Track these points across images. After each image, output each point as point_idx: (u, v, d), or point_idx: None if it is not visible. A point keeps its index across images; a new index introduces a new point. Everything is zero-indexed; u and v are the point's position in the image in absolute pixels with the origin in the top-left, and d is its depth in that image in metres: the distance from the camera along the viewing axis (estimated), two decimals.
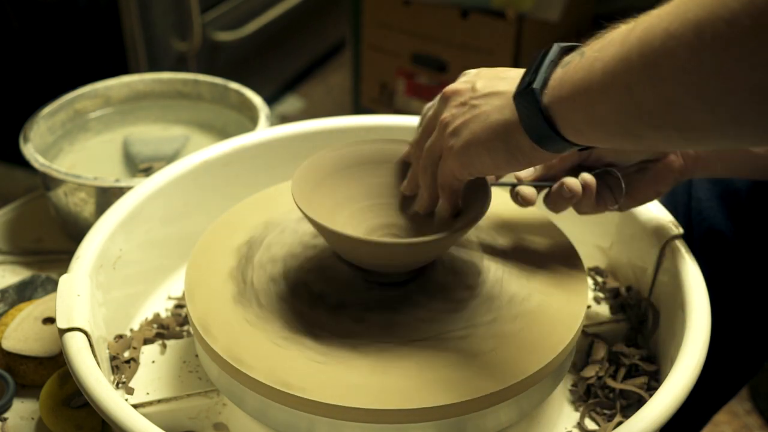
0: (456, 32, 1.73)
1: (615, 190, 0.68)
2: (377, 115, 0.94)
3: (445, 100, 0.60)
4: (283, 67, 2.10)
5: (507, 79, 0.57)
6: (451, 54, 1.76)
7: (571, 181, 0.65)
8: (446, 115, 0.59)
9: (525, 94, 0.52)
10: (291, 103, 2.18)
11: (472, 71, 0.61)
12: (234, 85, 1.11)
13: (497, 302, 0.66)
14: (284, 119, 2.07)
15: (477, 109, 0.57)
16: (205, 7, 1.68)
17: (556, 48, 0.53)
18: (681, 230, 0.74)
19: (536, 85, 0.51)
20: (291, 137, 0.90)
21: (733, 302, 0.81)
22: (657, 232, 0.75)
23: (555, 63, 0.52)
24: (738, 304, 0.82)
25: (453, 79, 0.62)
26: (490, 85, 0.57)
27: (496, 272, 0.69)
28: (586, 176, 0.66)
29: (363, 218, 0.70)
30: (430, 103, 0.65)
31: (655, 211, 0.76)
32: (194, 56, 1.65)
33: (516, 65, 0.67)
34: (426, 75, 1.80)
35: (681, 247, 0.72)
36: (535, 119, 0.52)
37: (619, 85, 0.46)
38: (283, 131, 0.91)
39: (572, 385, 0.73)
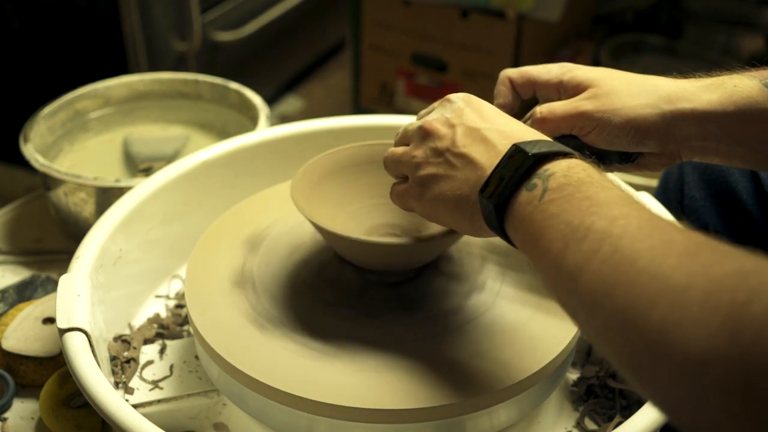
0: (456, 32, 1.73)
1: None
2: (377, 115, 0.94)
3: (422, 136, 0.58)
4: (283, 67, 2.10)
5: (487, 141, 0.55)
6: (451, 54, 1.75)
7: None
8: (419, 153, 0.58)
9: (487, 200, 0.52)
10: (291, 103, 2.18)
11: (458, 101, 0.59)
12: (234, 85, 1.11)
13: (497, 301, 0.66)
14: (284, 119, 2.07)
15: (450, 170, 0.56)
16: (205, 7, 1.68)
17: (530, 160, 0.51)
18: None
19: (497, 201, 0.51)
20: (291, 137, 0.90)
21: None
22: None
23: (521, 180, 0.51)
24: None
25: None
26: (470, 145, 0.55)
27: (496, 271, 0.69)
28: None
29: (363, 218, 0.70)
30: (424, 110, 0.64)
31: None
32: (194, 56, 1.65)
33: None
34: (426, 75, 1.80)
35: None
36: (492, 221, 0.53)
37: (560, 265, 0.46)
38: (283, 131, 0.91)
39: (572, 385, 0.73)
